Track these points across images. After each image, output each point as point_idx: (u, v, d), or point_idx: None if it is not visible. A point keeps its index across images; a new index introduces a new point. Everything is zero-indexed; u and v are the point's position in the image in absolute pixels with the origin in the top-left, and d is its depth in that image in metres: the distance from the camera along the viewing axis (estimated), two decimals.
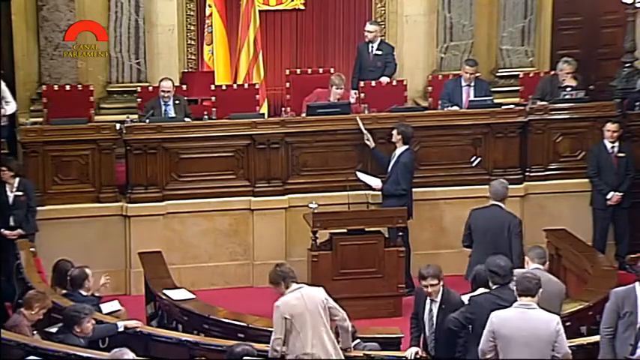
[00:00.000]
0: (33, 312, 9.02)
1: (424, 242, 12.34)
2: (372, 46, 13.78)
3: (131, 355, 7.56)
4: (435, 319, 8.79)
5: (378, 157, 12.37)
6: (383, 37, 14.00)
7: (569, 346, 8.74)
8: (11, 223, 11.68)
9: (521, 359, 7.66)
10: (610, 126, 12.51)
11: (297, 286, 8.50)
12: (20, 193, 11.72)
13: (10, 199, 11.70)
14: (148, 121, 12.42)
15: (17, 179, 11.71)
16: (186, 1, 14.32)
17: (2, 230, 11.59)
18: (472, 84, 13.09)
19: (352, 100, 13.15)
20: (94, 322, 8.85)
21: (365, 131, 12.33)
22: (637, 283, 8.39)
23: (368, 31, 13.74)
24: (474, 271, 9.08)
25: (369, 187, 12.25)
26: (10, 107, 12.41)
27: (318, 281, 11.58)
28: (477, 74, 13.29)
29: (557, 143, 12.91)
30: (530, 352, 7.69)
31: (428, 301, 8.84)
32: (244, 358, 7.85)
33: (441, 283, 8.78)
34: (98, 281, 10.28)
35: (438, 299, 8.78)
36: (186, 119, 12.67)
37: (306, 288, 8.51)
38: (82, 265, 10.06)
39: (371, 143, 12.35)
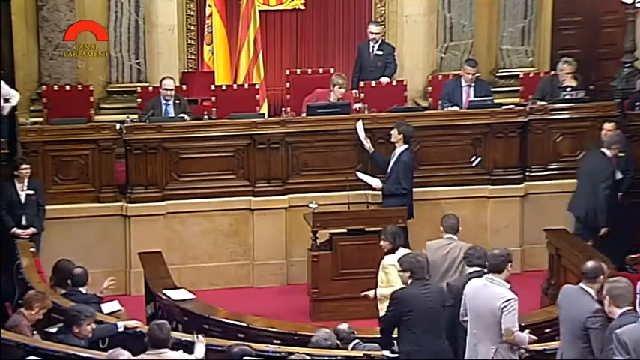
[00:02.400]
0: (33, 312, 9.02)
1: (424, 242, 12.28)
2: (373, 46, 13.79)
3: (127, 355, 7.56)
4: None
5: (377, 160, 12.35)
6: (383, 37, 14.00)
7: None
8: (24, 222, 11.71)
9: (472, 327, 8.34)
10: (606, 125, 12.48)
11: None
12: (32, 192, 11.77)
13: (23, 198, 11.74)
14: (148, 121, 12.42)
15: (27, 178, 11.76)
16: (186, 1, 14.31)
17: (15, 230, 11.63)
18: (472, 84, 13.10)
19: (356, 106, 13.09)
20: (94, 325, 8.80)
21: (363, 140, 12.32)
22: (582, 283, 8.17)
23: (373, 32, 13.74)
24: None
25: (370, 187, 12.25)
26: (14, 99, 12.39)
27: (318, 281, 11.63)
28: (478, 74, 13.30)
29: (557, 143, 12.92)
30: (481, 322, 8.26)
31: None
32: (243, 358, 7.84)
33: (407, 274, 8.73)
34: (101, 282, 10.30)
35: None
36: (184, 115, 12.65)
37: None
38: (80, 265, 10.07)
39: (369, 148, 12.35)
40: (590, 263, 8.13)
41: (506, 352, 8.23)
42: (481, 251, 9.05)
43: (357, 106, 13.02)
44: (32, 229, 11.74)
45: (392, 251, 10.06)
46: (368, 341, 8.94)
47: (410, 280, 8.65)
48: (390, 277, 9.88)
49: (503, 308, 8.14)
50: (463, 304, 8.47)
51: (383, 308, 9.58)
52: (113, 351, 7.65)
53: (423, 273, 8.70)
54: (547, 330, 9.41)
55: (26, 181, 11.78)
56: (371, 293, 10.13)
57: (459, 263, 10.00)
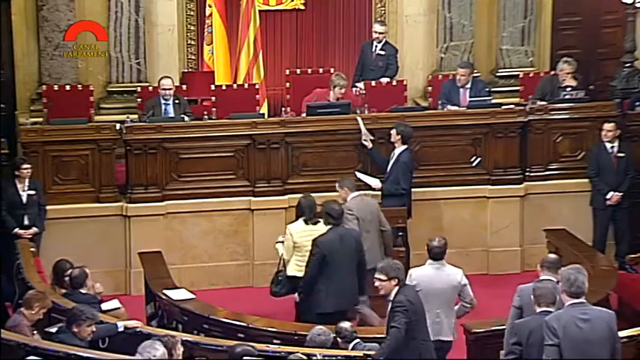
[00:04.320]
0: (33, 312, 9.01)
1: (424, 242, 12.25)
2: (376, 46, 13.81)
3: (160, 350, 7.46)
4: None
5: (376, 157, 12.36)
6: (386, 37, 14.00)
7: None
8: (26, 222, 11.71)
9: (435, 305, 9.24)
10: (607, 126, 12.50)
11: None
12: (33, 192, 11.76)
13: (24, 198, 11.74)
14: (148, 121, 12.42)
15: (27, 178, 11.76)
16: (186, 1, 14.32)
17: (17, 230, 11.63)
18: (468, 85, 13.07)
19: (358, 91, 13.10)
20: (94, 329, 8.77)
21: (365, 131, 12.33)
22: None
23: (377, 32, 13.77)
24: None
25: (369, 187, 12.25)
26: None
27: None
28: (477, 74, 13.29)
29: (557, 143, 12.91)
30: (442, 299, 9.29)
31: None
32: (244, 358, 7.83)
33: (394, 282, 8.48)
34: (101, 282, 10.29)
35: (392, 296, 8.56)
36: (184, 117, 12.66)
37: None
38: (80, 265, 10.06)
39: (369, 144, 12.35)
40: (551, 255, 8.89)
41: (453, 321, 9.44)
42: (339, 210, 10.41)
43: (358, 87, 13.01)
44: (34, 229, 11.74)
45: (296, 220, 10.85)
46: (368, 341, 8.94)
47: (397, 288, 8.51)
48: (287, 242, 10.80)
49: (463, 282, 9.38)
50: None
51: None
52: (147, 342, 7.60)
53: (405, 277, 8.72)
54: None
55: (27, 181, 11.78)
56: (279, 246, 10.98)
57: (377, 214, 11.18)
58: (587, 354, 7.32)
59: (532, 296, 7.89)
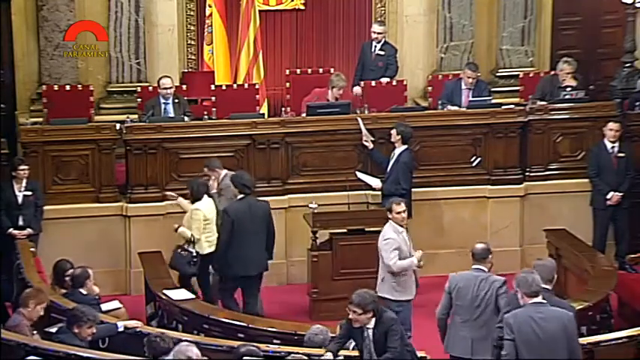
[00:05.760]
0: (30, 309, 9.00)
1: (424, 242, 12.29)
2: (375, 46, 13.81)
3: (196, 352, 7.48)
4: (372, 344, 8.46)
5: (376, 158, 12.37)
6: (385, 37, 14.00)
7: None
8: (20, 222, 11.71)
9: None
10: (612, 125, 12.50)
11: None
12: (29, 193, 11.76)
13: (20, 199, 11.74)
14: (148, 121, 12.42)
15: (25, 179, 11.76)
16: (186, 1, 14.32)
17: (12, 230, 11.63)
18: (472, 87, 13.08)
19: (358, 91, 13.10)
20: (94, 330, 8.77)
21: (365, 132, 12.34)
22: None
23: (376, 32, 13.77)
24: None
25: (369, 187, 12.26)
26: None
27: (318, 281, 11.62)
28: (479, 74, 13.30)
29: (557, 143, 12.92)
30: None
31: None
32: (244, 358, 7.82)
33: (369, 315, 8.34)
34: (101, 282, 10.29)
35: (371, 325, 8.41)
36: (184, 117, 12.66)
37: None
38: (82, 265, 10.06)
39: (369, 144, 12.36)
40: (479, 245, 9.24)
41: (389, 280, 10.18)
42: (251, 180, 11.09)
43: (357, 89, 13.01)
44: (29, 230, 11.73)
45: (198, 199, 11.18)
46: None
47: (374, 318, 8.41)
48: (192, 222, 11.10)
49: (380, 246, 10.18)
50: None
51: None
52: (184, 344, 7.60)
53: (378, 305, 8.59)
54: None
55: (24, 181, 11.76)
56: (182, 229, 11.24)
57: None
58: (539, 352, 7.59)
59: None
